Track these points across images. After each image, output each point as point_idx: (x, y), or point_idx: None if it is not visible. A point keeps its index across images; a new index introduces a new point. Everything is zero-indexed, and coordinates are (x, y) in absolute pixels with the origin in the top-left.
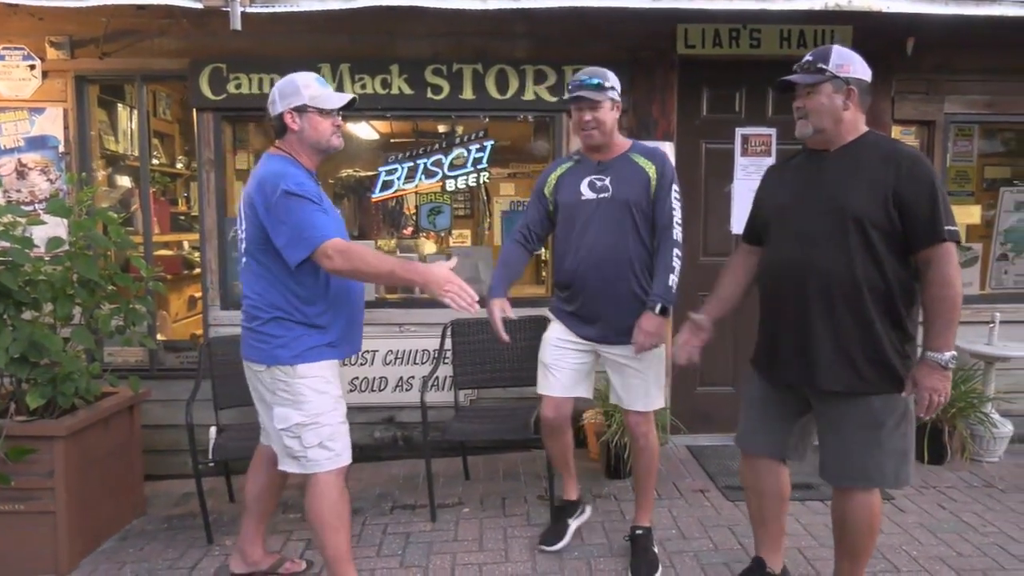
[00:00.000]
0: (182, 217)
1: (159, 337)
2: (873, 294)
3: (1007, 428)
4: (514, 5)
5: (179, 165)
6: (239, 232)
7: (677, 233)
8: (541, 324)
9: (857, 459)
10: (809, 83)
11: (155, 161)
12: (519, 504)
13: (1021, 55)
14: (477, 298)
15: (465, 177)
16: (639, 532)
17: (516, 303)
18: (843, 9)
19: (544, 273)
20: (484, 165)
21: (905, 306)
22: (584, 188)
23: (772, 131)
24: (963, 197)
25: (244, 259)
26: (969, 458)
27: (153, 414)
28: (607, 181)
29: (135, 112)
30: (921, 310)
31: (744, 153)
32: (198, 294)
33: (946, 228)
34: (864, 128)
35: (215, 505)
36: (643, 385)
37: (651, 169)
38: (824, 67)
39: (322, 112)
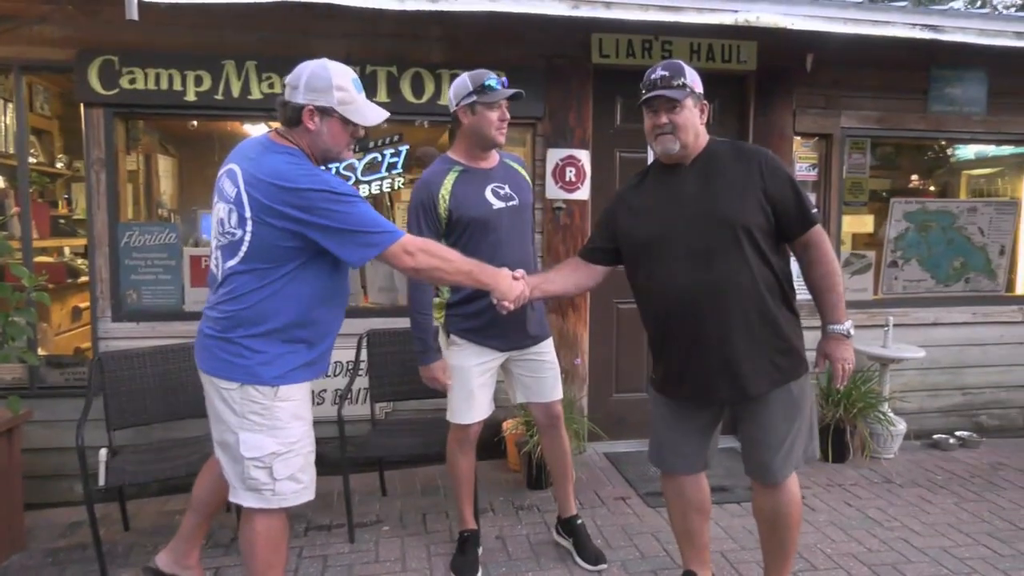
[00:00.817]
0: (62, 221)
1: (40, 352)
2: (770, 292)
3: (902, 426)
4: (432, 7)
5: (59, 165)
6: (220, 234)
7: None
8: None
9: (787, 448)
10: (679, 99)
11: (32, 160)
12: (441, 520)
13: (906, 73)
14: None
15: (380, 182)
16: (580, 522)
17: None
18: (752, 24)
19: None
20: (399, 170)
21: (791, 291)
22: (490, 197)
23: None
24: (857, 207)
25: (232, 262)
26: (869, 455)
27: (34, 437)
28: (507, 188)
29: (10, 105)
30: (810, 290)
31: None
32: (83, 304)
33: (812, 211)
34: (706, 138)
35: (108, 535)
36: (555, 375)
37: (527, 174)
38: (685, 82)
39: (346, 122)
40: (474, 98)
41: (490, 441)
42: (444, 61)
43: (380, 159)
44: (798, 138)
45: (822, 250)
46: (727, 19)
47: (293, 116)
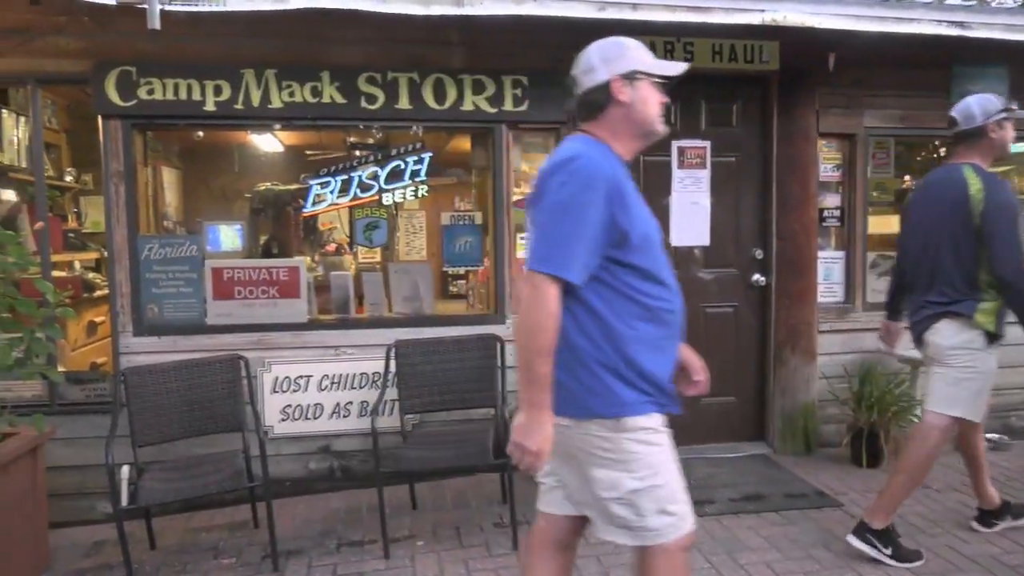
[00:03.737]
0: (71, 235)
1: (59, 368)
2: None
3: None
4: (457, 11)
5: (68, 178)
6: None
7: None
8: (490, 343)
9: None
10: None
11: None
12: (475, 533)
13: (928, 72)
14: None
15: (403, 190)
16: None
17: (464, 321)
18: (779, 24)
19: (488, 288)
20: (423, 177)
21: None
22: None
23: (707, 143)
24: (883, 207)
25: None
26: None
27: (54, 454)
28: None
29: (22, 119)
30: None
31: (680, 166)
32: (99, 319)
33: None
34: None
35: (135, 553)
36: None
37: None
38: None
39: (654, 83)
40: (1004, 115)
41: None
42: (465, 66)
43: (403, 167)
44: (820, 139)
45: None
46: (754, 19)
47: (601, 97)
